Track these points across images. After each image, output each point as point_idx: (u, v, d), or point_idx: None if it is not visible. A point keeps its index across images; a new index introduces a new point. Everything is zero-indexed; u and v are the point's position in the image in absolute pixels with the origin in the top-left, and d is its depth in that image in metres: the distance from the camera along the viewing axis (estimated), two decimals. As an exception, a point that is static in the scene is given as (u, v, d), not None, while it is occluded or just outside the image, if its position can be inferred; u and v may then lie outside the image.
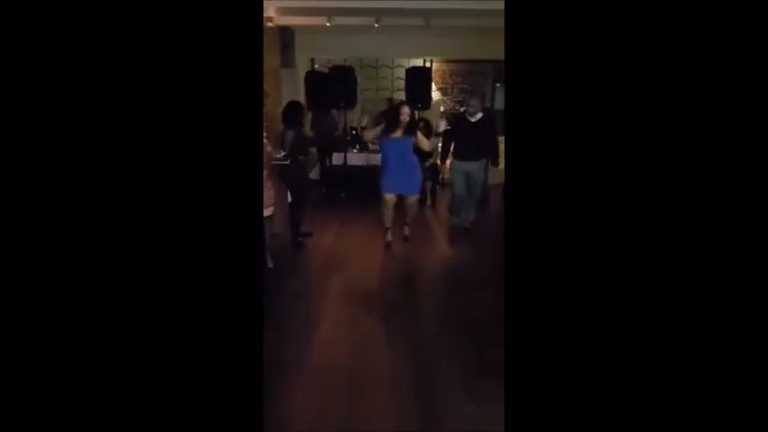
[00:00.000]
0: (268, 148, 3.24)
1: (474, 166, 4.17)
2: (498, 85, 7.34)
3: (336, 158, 5.74)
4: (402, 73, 6.08)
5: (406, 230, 4.18)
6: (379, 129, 3.84)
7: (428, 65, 6.57)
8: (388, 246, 4.05)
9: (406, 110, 3.73)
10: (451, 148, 4.27)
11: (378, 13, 5.01)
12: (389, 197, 3.90)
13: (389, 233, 4.08)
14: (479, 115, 4.12)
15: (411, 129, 3.77)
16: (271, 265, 3.49)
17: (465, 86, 8.39)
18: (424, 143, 3.88)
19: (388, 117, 3.84)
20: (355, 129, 6.37)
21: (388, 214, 4.00)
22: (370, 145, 5.93)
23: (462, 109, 8.21)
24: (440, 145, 4.43)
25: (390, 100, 6.10)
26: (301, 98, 5.17)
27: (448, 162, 4.43)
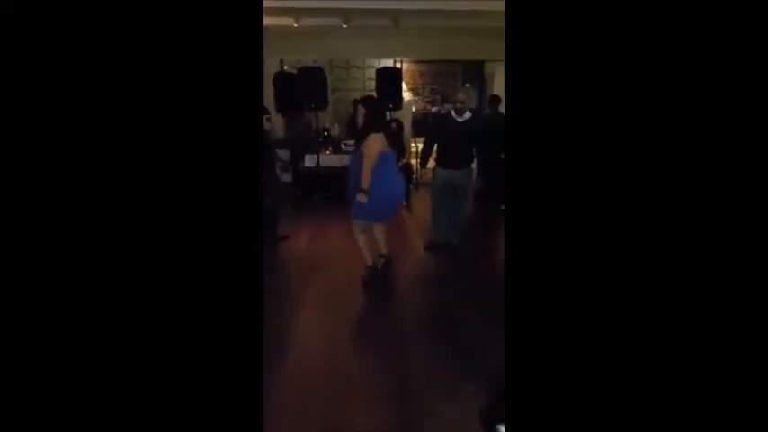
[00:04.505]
0: None
1: (458, 175, 3.63)
2: (467, 85, 7.45)
3: (309, 160, 5.68)
4: (373, 73, 6.08)
5: (380, 263, 3.38)
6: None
7: (398, 65, 6.60)
8: (365, 283, 3.26)
9: (361, 110, 2.99)
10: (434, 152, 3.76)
11: (345, 14, 5.00)
12: (362, 225, 3.15)
13: (370, 272, 3.29)
14: (467, 115, 3.58)
15: (366, 128, 2.94)
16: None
17: (435, 87, 8.48)
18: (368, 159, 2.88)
19: (351, 122, 3.20)
20: (327, 130, 6.33)
21: (366, 245, 3.24)
22: (343, 146, 5.90)
23: (434, 107, 8.31)
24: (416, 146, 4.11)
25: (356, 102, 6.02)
26: (270, 99, 5.10)
27: (429, 166, 3.93)
